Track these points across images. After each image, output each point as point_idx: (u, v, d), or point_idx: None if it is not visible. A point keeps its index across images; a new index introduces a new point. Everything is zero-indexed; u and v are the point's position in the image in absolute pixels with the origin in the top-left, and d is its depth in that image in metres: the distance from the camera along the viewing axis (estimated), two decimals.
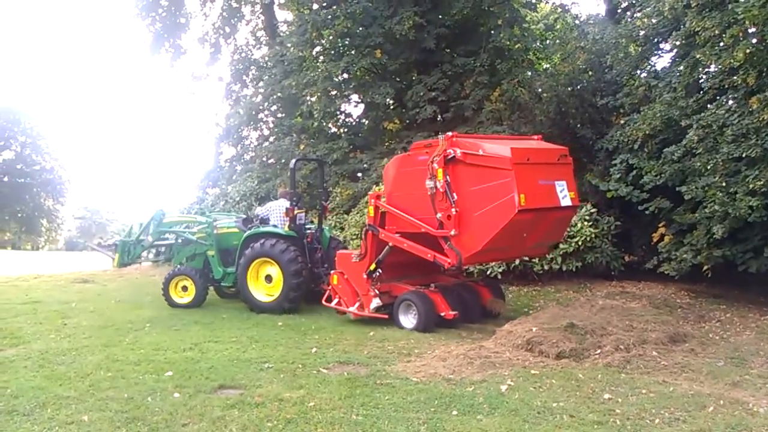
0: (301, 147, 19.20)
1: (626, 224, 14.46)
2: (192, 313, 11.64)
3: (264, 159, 21.00)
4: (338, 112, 20.10)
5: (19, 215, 61.09)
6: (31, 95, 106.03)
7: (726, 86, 11.67)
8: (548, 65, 20.25)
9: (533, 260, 13.60)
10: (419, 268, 10.75)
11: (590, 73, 16.45)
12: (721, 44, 11.36)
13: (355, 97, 20.10)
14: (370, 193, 10.76)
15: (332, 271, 11.04)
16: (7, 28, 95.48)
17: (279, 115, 21.38)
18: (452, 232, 9.26)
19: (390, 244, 10.25)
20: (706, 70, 12.50)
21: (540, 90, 17.32)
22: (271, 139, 21.60)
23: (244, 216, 13.64)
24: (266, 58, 22.28)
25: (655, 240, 13.14)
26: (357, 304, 10.52)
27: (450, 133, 9.58)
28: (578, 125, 15.93)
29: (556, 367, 7.37)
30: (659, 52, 15.06)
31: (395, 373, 7.28)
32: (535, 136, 11.04)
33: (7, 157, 61.18)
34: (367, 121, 20.46)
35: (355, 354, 8.29)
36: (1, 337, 9.60)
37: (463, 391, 6.57)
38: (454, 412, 5.93)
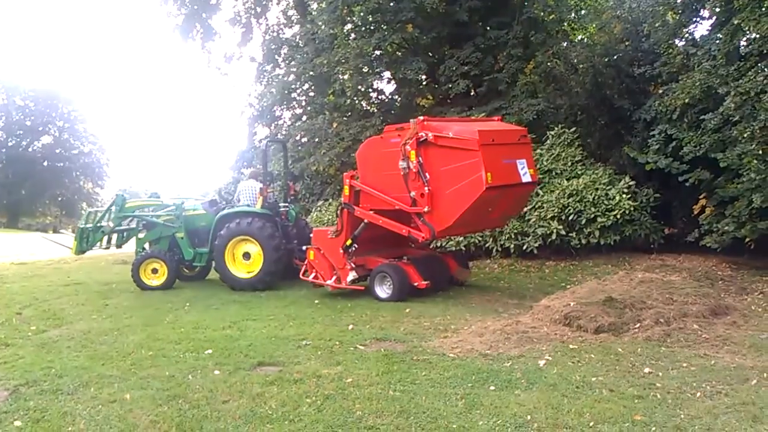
0: (334, 125, 19.15)
1: (666, 196, 14.21)
2: (230, 292, 11.80)
3: (297, 138, 21.02)
4: (370, 90, 19.96)
5: (60, 199, 62.40)
6: (68, 80, 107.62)
7: (766, 52, 11.33)
8: (583, 36, 19.88)
9: (570, 234, 13.47)
10: (389, 242, 11.48)
11: (627, 42, 16.12)
12: (763, 8, 11.02)
13: (387, 74, 19.92)
14: (344, 173, 11.37)
15: (307, 247, 11.64)
16: (43, 14, 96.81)
17: (311, 94, 21.32)
18: (426, 209, 10.00)
19: (365, 220, 10.82)
20: (747, 36, 12.16)
21: (575, 61, 17.02)
22: (304, 118, 21.58)
23: (210, 198, 14.01)
24: (297, 37, 22.19)
25: (696, 212, 12.90)
26: (334, 278, 11.06)
27: (421, 117, 10.31)
28: (615, 96, 15.66)
29: (594, 341, 7.30)
30: (698, 19, 14.66)
31: (432, 349, 7.28)
32: (495, 118, 12.28)
33: (46, 141, 62.40)
34: (399, 98, 20.28)
35: (392, 330, 8.31)
36: (45, 318, 9.83)
37: (500, 366, 6.54)
38: (492, 388, 5.91)
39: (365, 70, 18.27)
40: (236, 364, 6.90)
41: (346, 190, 10.99)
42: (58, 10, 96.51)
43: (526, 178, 10.38)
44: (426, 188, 9.94)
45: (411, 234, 10.43)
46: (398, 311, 9.50)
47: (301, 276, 11.69)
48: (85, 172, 64.09)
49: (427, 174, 9.96)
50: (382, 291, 10.63)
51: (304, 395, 5.82)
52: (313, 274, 11.33)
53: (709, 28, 14.14)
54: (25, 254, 21.64)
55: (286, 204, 13.49)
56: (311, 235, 11.89)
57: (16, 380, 6.46)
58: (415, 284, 10.50)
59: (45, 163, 61.46)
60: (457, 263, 11.90)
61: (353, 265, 10.96)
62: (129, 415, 5.47)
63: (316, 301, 10.63)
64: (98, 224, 13.54)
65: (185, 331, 8.55)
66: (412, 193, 10.11)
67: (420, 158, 9.99)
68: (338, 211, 11.27)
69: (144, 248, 13.34)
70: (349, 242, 10.89)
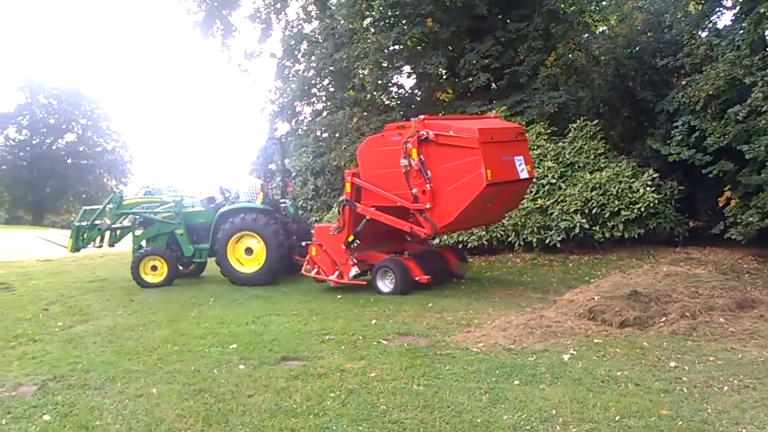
0: (354, 120, 19.12)
1: (690, 189, 14.05)
2: (253, 288, 11.87)
3: (318, 133, 21.04)
4: (390, 84, 19.92)
5: (84, 196, 62.96)
6: (91, 78, 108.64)
7: None
8: (605, 27, 19.70)
9: (593, 228, 13.37)
10: (390, 237, 11.65)
11: (649, 33, 15.96)
12: None
13: (407, 69, 19.89)
14: (346, 171, 11.58)
15: (308, 243, 11.86)
16: (66, 12, 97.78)
17: (331, 89, 21.31)
18: (427, 206, 10.23)
19: (367, 217, 11.00)
20: None
21: (597, 53, 16.89)
22: (324, 113, 21.59)
23: (208, 195, 14.09)
24: (317, 32, 22.18)
25: (721, 204, 12.75)
26: (336, 273, 11.30)
27: (422, 116, 10.43)
28: (638, 88, 15.51)
29: (619, 335, 7.25)
30: (721, 9, 14.48)
31: (455, 344, 7.28)
32: (492, 114, 13.00)
33: (70, 139, 63.18)
34: (419, 92, 20.25)
35: (415, 325, 8.31)
36: (72, 314, 9.98)
37: (524, 360, 6.53)
38: (516, 382, 5.90)
39: (385, 64, 18.24)
40: (261, 358, 6.96)
41: (348, 188, 11.16)
42: (81, 8, 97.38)
43: (524, 175, 10.65)
44: (427, 185, 10.17)
45: (413, 230, 10.62)
46: (421, 306, 9.50)
47: (302, 272, 11.90)
48: (108, 170, 64.83)
49: (428, 171, 10.17)
50: (384, 285, 10.81)
51: (328, 389, 5.85)
52: (315, 270, 11.53)
53: (733, 17, 13.98)
54: (51, 251, 21.85)
55: (284, 201, 13.73)
56: (311, 231, 12.10)
57: (44, 375, 6.57)
58: (417, 278, 10.67)
59: (69, 161, 62.23)
60: (455, 257, 12.11)
61: (355, 261, 11.16)
62: (156, 410, 5.53)
63: (339, 296, 10.67)
64: (94, 222, 13.60)
65: (210, 326, 8.63)
66: (414, 190, 10.31)
67: (421, 156, 10.20)
68: (340, 208, 11.46)
69: (141, 246, 13.41)
70: (351, 238, 11.07)
